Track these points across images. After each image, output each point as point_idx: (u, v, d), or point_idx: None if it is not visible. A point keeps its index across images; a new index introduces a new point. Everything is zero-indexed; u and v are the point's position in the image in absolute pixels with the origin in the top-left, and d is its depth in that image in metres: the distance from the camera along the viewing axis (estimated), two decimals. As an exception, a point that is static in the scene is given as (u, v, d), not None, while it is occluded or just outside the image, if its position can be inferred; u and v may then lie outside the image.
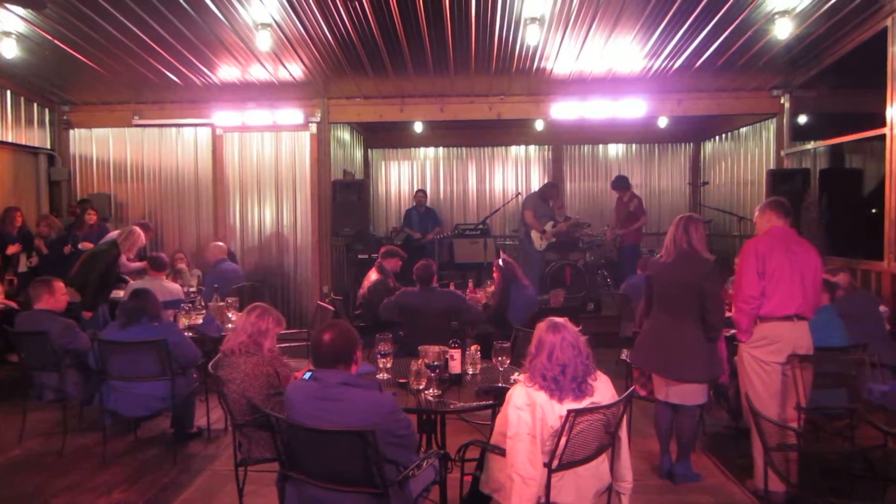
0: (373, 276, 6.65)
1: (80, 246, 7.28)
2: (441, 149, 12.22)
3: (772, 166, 8.86)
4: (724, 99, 8.69)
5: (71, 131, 9.20)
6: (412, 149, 12.24)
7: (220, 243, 7.79)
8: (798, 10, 6.14)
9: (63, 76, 8.09)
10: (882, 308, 5.37)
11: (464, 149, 12.19)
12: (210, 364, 3.82)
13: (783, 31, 6.28)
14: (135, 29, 6.42)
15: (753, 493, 4.11)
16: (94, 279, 6.08)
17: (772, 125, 9.03)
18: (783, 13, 6.17)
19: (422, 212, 10.70)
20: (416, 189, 11.45)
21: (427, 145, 12.15)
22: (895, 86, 6.24)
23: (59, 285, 5.13)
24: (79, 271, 6.13)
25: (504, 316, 5.81)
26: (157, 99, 8.86)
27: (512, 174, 12.19)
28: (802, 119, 8.90)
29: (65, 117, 9.11)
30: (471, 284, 7.42)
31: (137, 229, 6.56)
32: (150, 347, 4.49)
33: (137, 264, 6.82)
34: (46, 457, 4.82)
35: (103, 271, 6.16)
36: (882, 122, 6.43)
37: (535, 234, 9.25)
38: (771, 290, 4.01)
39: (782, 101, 8.60)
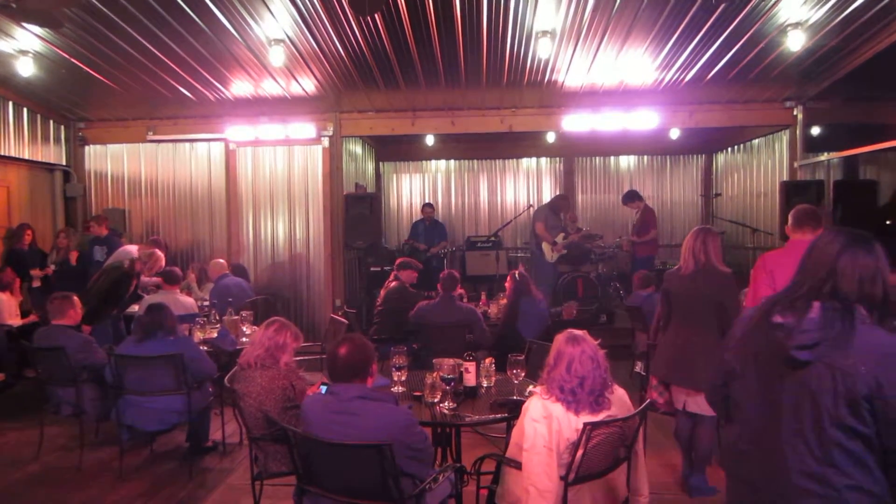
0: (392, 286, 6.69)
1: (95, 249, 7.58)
2: (452, 161, 12.25)
3: (785, 178, 8.81)
4: (736, 111, 8.66)
5: (86, 147, 9.30)
6: (423, 161, 12.27)
7: (221, 261, 7.85)
8: (811, 21, 6.13)
9: (78, 93, 8.20)
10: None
11: (475, 161, 12.21)
12: (226, 378, 3.83)
13: (796, 42, 6.27)
14: (149, 46, 6.51)
15: None
16: (98, 295, 6.04)
17: (785, 137, 8.99)
18: (796, 25, 6.16)
19: (428, 225, 10.74)
20: (425, 202, 11.49)
21: (438, 158, 12.18)
22: (909, 96, 6.24)
23: (77, 301, 5.18)
24: (92, 286, 6.17)
25: (514, 327, 5.80)
26: (170, 114, 8.95)
27: (523, 186, 12.19)
28: (815, 130, 8.85)
29: (80, 134, 9.22)
30: (483, 297, 7.43)
31: (158, 252, 6.62)
32: (166, 362, 4.51)
33: (154, 279, 6.87)
34: (64, 471, 4.84)
35: (109, 288, 6.11)
36: (896, 133, 6.42)
37: (546, 247, 9.23)
38: None
39: (795, 112, 8.56)
